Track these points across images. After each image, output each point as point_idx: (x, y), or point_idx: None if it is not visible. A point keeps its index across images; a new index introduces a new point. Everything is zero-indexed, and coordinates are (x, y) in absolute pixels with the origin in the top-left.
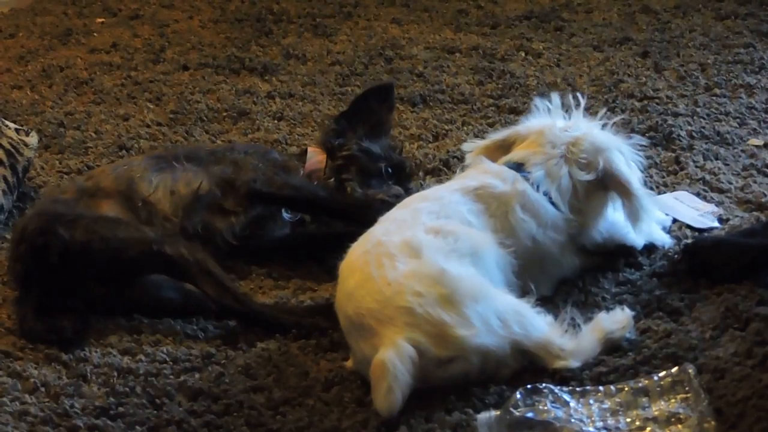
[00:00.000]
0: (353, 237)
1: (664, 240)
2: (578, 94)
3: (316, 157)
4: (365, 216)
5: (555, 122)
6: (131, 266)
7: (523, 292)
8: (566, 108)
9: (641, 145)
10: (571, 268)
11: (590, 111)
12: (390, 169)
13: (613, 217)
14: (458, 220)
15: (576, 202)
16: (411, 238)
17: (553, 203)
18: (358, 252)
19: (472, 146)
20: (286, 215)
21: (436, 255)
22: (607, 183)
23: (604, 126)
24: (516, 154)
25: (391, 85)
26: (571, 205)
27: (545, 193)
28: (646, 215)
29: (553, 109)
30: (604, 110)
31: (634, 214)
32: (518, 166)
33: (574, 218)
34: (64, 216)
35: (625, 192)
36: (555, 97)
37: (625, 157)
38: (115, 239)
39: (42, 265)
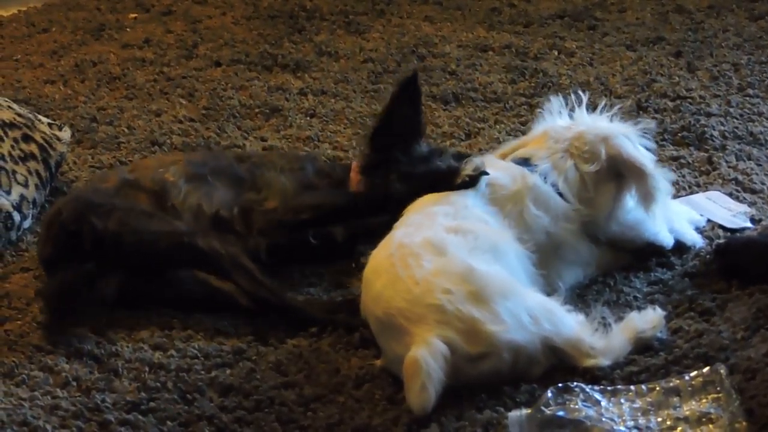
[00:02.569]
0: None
1: (695, 239)
2: (579, 92)
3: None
4: (388, 206)
5: (556, 122)
6: (162, 259)
7: (551, 290)
8: (571, 108)
9: (649, 129)
10: (589, 254)
11: (623, 110)
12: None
13: (640, 213)
14: (474, 220)
15: (586, 193)
16: (433, 237)
17: (560, 194)
18: (381, 256)
19: (480, 161)
20: (312, 241)
21: (460, 252)
22: (620, 170)
23: (611, 117)
24: (521, 152)
25: (415, 76)
26: (582, 196)
27: (553, 185)
28: (661, 195)
29: (555, 111)
30: (603, 103)
31: (648, 196)
32: (524, 161)
33: (583, 209)
34: (100, 206)
35: (638, 173)
36: (555, 99)
37: (632, 141)
38: (147, 231)
39: (73, 251)
